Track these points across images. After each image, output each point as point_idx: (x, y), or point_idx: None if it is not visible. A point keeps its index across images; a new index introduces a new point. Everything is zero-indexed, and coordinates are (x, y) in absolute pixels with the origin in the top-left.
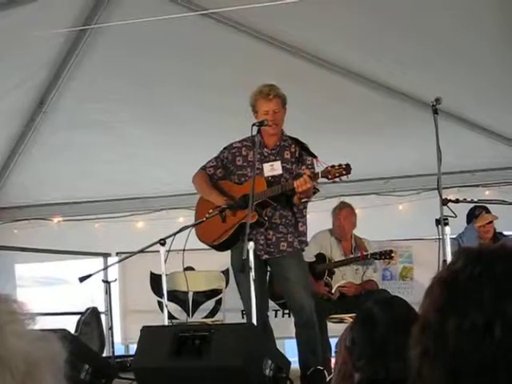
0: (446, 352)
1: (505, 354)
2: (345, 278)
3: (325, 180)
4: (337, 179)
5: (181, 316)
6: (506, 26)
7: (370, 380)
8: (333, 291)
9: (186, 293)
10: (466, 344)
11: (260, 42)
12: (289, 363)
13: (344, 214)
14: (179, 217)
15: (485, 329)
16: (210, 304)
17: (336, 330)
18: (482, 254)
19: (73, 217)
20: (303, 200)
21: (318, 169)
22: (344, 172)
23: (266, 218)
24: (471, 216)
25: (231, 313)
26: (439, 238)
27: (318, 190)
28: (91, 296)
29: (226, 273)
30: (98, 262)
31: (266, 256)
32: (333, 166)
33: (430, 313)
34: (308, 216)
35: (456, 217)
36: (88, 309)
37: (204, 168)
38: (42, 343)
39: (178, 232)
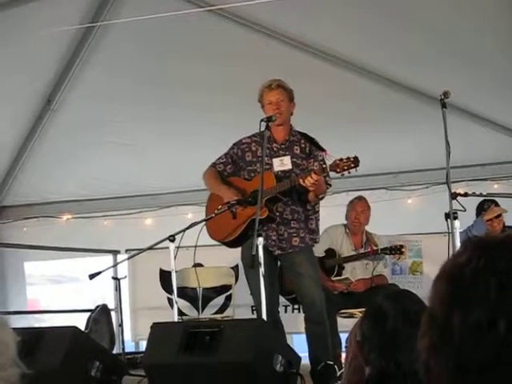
0: (451, 346)
1: (509, 351)
2: (355, 272)
3: (333, 174)
4: (345, 172)
5: (190, 312)
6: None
7: (381, 373)
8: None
9: (196, 289)
10: (471, 339)
11: (269, 38)
12: (299, 358)
13: (361, 206)
14: (188, 213)
15: (489, 325)
16: (219, 300)
17: (346, 325)
18: (487, 247)
19: (82, 214)
20: (320, 196)
21: (327, 162)
22: (352, 165)
23: (277, 214)
24: (480, 209)
25: (241, 309)
26: (448, 232)
27: (330, 185)
28: (101, 293)
29: (235, 269)
30: (108, 260)
31: (279, 251)
32: (341, 160)
33: (436, 305)
34: None
35: (465, 211)
36: (98, 306)
37: (214, 164)
38: None
39: (187, 228)
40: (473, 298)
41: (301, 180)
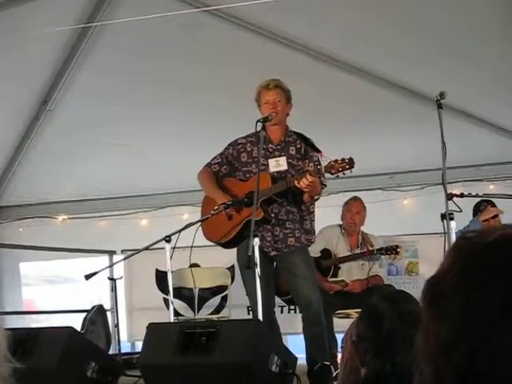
0: (429, 354)
1: (473, 378)
2: (350, 273)
3: (328, 175)
4: (340, 174)
5: (186, 313)
6: (507, 23)
7: (377, 374)
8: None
9: (192, 289)
10: (441, 354)
11: (265, 39)
12: (295, 359)
13: (356, 207)
14: (184, 213)
15: (453, 346)
16: (215, 300)
17: (342, 326)
18: (468, 252)
19: (78, 215)
20: (315, 197)
21: (323, 163)
22: (347, 166)
23: (272, 215)
24: (477, 210)
25: (237, 309)
26: (444, 233)
27: (325, 186)
28: (97, 294)
29: (231, 269)
30: (104, 260)
31: (275, 252)
32: (336, 161)
33: (422, 311)
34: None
35: (461, 211)
36: (94, 306)
37: (209, 165)
38: None
39: (183, 229)
40: (442, 313)
41: (296, 181)
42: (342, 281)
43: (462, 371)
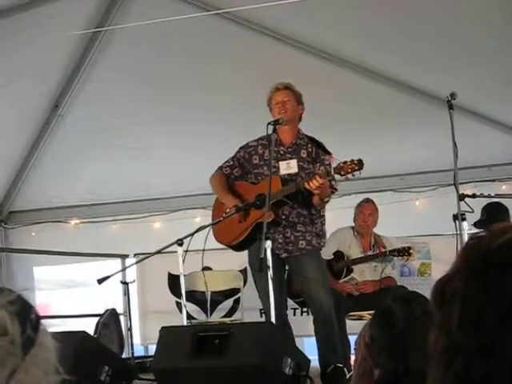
0: (432, 359)
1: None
2: (363, 275)
3: (338, 177)
4: (349, 175)
5: (199, 316)
6: None
7: (390, 376)
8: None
9: (204, 293)
10: (440, 363)
11: (275, 41)
12: (308, 361)
13: (368, 209)
14: (196, 217)
15: (450, 356)
16: (228, 303)
17: (355, 328)
18: (474, 257)
19: (90, 219)
20: (325, 200)
21: (332, 166)
22: (356, 168)
23: (283, 217)
24: (492, 212)
25: (250, 312)
26: (457, 234)
27: (336, 190)
28: (110, 297)
29: (243, 272)
30: (116, 264)
31: (286, 254)
32: (345, 162)
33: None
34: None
35: (473, 212)
36: (107, 310)
37: (221, 168)
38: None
39: (195, 232)
40: (450, 314)
41: (306, 183)
42: (352, 279)
43: (467, 373)
